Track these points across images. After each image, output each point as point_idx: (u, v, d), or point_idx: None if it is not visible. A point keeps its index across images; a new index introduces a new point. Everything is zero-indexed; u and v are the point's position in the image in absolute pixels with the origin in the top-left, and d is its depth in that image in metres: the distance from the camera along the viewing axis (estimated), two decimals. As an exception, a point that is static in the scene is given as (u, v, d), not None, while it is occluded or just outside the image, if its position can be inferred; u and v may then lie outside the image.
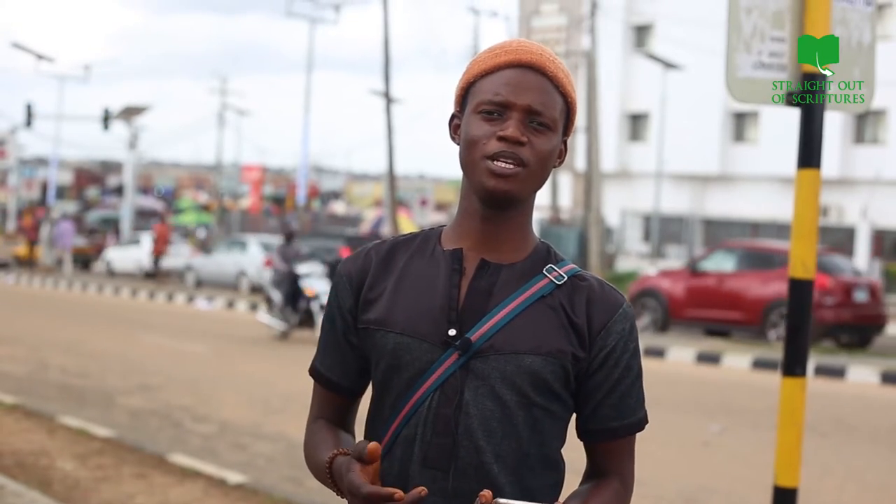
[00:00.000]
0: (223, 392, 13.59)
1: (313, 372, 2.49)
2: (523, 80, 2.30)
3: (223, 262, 34.36)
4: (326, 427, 2.46)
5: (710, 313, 22.32)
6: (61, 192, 72.26)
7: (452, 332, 2.28)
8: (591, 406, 2.35)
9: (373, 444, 2.17)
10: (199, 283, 34.52)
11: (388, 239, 2.47)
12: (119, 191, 69.17)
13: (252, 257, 33.36)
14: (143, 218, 59.44)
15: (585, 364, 2.32)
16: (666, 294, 22.70)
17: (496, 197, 2.29)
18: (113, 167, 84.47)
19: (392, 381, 2.32)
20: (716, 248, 25.00)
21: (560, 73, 2.34)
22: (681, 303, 22.44)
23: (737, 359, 18.49)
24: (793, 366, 4.45)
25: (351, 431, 2.51)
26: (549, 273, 2.35)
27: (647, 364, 18.04)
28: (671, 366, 18.15)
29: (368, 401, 2.43)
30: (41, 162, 74.46)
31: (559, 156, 2.37)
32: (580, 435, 2.40)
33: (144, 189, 79.14)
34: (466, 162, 2.32)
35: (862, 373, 17.06)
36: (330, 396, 2.48)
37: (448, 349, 2.28)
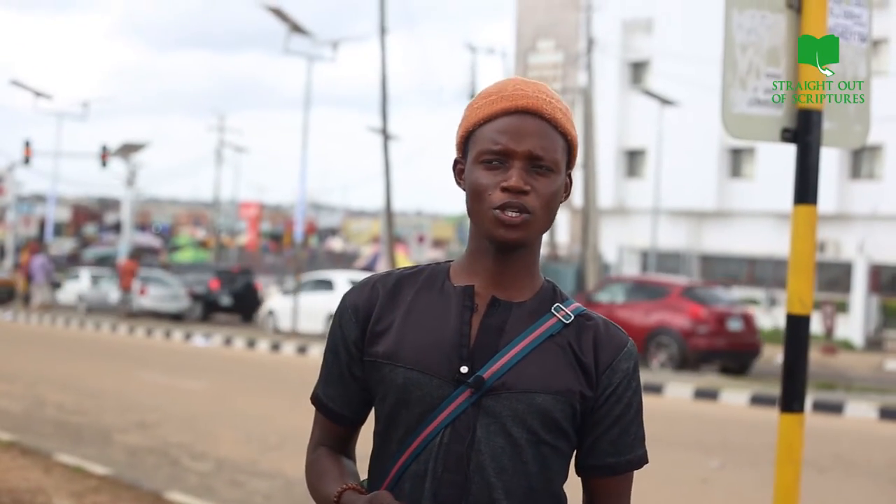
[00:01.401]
0: (220, 429, 13.56)
1: (315, 401, 2.50)
2: (522, 126, 2.31)
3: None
4: (329, 455, 2.46)
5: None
6: (59, 229, 72.28)
7: (464, 368, 2.29)
8: (591, 441, 2.36)
9: (388, 497, 2.20)
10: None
11: (394, 272, 2.47)
12: (117, 228, 69.23)
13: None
14: (142, 255, 59.41)
15: (591, 402, 2.34)
16: None
17: (505, 244, 2.31)
18: (111, 204, 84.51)
19: (401, 415, 2.32)
20: (607, 282, 26.88)
21: (558, 114, 2.35)
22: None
23: (735, 395, 18.45)
24: (791, 402, 4.45)
25: (352, 458, 2.51)
26: (558, 312, 2.37)
27: (645, 400, 17.91)
28: (669, 402, 18.12)
29: (371, 433, 2.43)
30: (39, 199, 74.52)
31: (565, 190, 2.39)
32: (578, 470, 2.41)
33: (142, 226, 79.17)
34: (473, 211, 2.34)
35: (860, 408, 17.02)
36: (331, 426, 2.48)
37: (460, 386, 2.28)
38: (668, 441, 13.37)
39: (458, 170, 2.42)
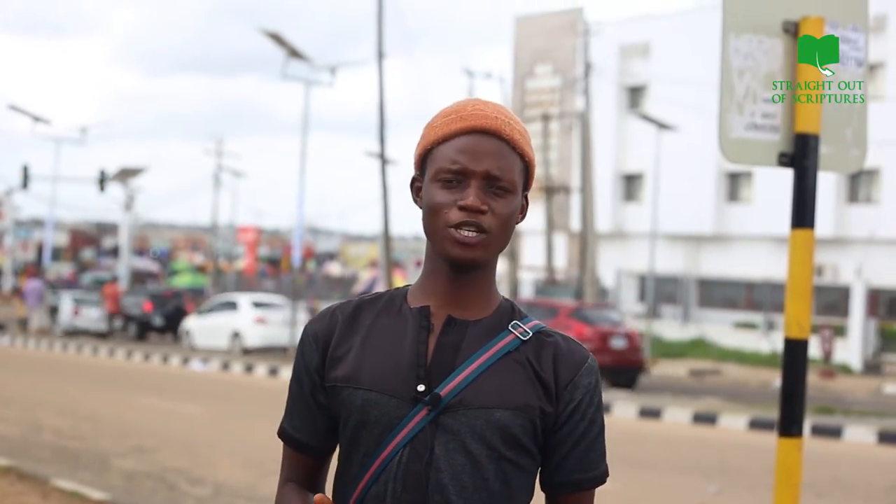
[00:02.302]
0: (218, 454, 13.53)
1: (282, 434, 2.49)
2: (479, 146, 2.31)
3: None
4: (295, 491, 2.46)
5: None
6: (57, 254, 72.24)
7: (421, 387, 2.29)
8: (557, 459, 2.36)
9: (319, 496, 2.20)
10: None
11: (354, 299, 2.48)
12: (115, 252, 69.25)
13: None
14: (140, 279, 59.39)
15: (552, 418, 2.34)
16: None
17: (461, 264, 2.32)
18: (108, 228, 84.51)
19: (360, 437, 2.32)
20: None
21: (516, 135, 2.35)
22: None
23: (733, 419, 18.44)
24: (789, 426, 4.44)
25: (322, 492, 2.49)
26: (515, 329, 2.37)
27: (643, 424, 18.06)
28: (668, 426, 18.10)
29: (336, 460, 2.43)
30: (37, 223, 74.53)
31: (521, 211, 2.39)
32: (544, 487, 2.41)
33: (140, 250, 79.12)
34: (429, 229, 2.34)
35: (859, 433, 17.01)
36: (299, 458, 2.47)
37: (417, 405, 2.28)
38: (666, 465, 13.35)
39: (416, 188, 2.43)
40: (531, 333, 2.37)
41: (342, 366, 2.36)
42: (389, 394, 2.30)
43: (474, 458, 2.27)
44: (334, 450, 2.48)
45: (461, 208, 2.28)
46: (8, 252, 57.52)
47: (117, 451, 13.50)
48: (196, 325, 34.93)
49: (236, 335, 33.78)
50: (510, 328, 2.37)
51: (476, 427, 2.27)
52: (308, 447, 2.45)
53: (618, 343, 24.95)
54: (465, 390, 2.28)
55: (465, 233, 2.28)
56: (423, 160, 2.40)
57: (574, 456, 2.35)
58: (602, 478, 2.40)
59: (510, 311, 2.41)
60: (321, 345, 2.41)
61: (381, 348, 2.35)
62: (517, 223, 2.39)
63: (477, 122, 2.33)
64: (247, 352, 33.06)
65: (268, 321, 34.06)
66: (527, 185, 2.40)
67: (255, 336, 33.47)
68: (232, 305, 34.81)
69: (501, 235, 2.33)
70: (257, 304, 34.87)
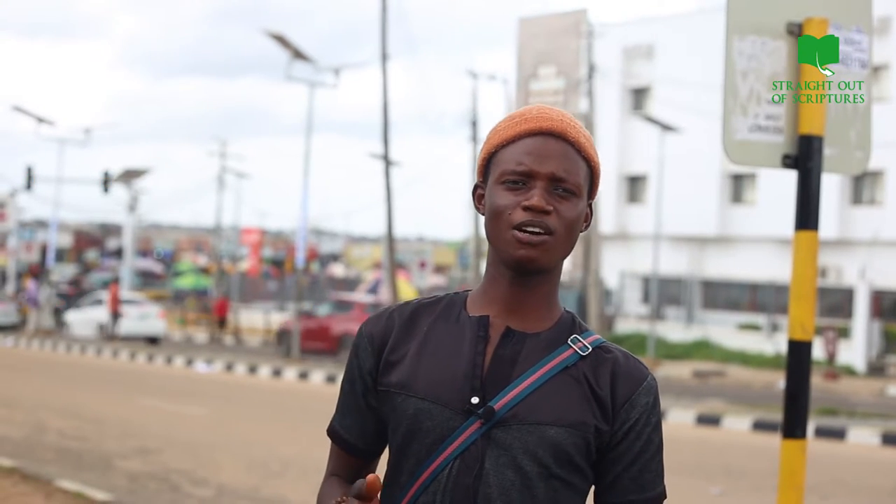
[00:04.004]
0: (222, 455, 13.54)
1: (331, 432, 2.47)
2: (545, 147, 2.29)
3: None
4: (339, 483, 2.44)
5: (315, 344, 31.87)
6: (61, 255, 72.28)
7: (475, 399, 2.26)
8: (611, 478, 2.32)
9: (371, 477, 2.16)
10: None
11: (412, 301, 2.45)
12: (118, 253, 69.24)
13: None
14: (144, 280, 59.38)
15: (608, 437, 2.30)
16: (293, 330, 31.98)
17: (524, 266, 2.28)
18: (112, 230, 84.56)
19: (411, 446, 2.30)
20: (324, 299, 36.41)
21: (581, 138, 2.33)
22: (303, 337, 31.83)
23: (737, 420, 18.43)
24: (793, 428, 4.44)
25: None
26: (574, 343, 2.33)
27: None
28: (671, 427, 18.09)
29: (385, 464, 2.42)
30: (41, 224, 74.50)
31: (585, 220, 2.36)
32: None
33: (144, 252, 79.23)
34: (493, 232, 2.31)
35: (863, 434, 16.99)
36: (346, 458, 2.46)
37: (470, 417, 2.25)
38: (669, 467, 13.30)
39: (479, 195, 2.40)
40: (590, 349, 2.34)
41: (397, 371, 2.34)
42: (443, 404, 2.27)
43: (525, 474, 2.24)
44: (381, 452, 2.47)
45: (525, 209, 2.25)
46: (11, 253, 57.49)
47: (121, 452, 13.51)
48: (74, 318, 40.56)
49: (102, 326, 39.07)
50: (569, 342, 2.33)
51: (528, 443, 2.24)
52: (356, 448, 2.44)
53: None
54: (520, 405, 2.25)
55: (529, 233, 2.25)
56: (486, 165, 2.37)
57: (628, 476, 2.32)
58: (658, 499, 2.36)
59: (570, 324, 2.37)
60: (377, 347, 2.38)
61: (436, 356, 2.32)
62: (582, 231, 2.35)
63: (543, 124, 2.31)
64: (110, 339, 37.79)
65: (128, 315, 38.84)
66: (591, 192, 2.38)
67: (127, 327, 38.35)
68: (100, 301, 40.46)
69: (566, 239, 2.29)
70: (128, 301, 39.99)
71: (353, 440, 2.44)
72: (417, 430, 2.28)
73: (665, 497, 2.38)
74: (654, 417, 2.35)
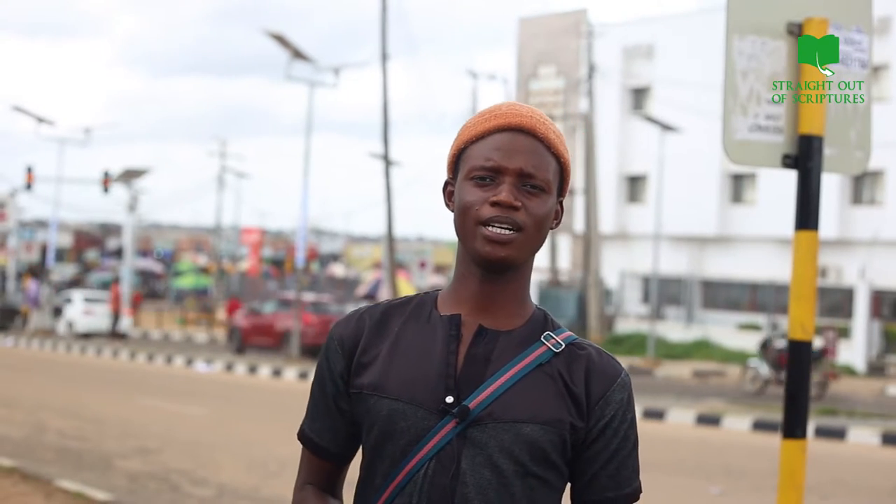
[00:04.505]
0: (221, 455, 13.54)
1: (302, 437, 2.45)
2: (514, 143, 2.28)
3: None
4: (315, 495, 2.42)
5: (260, 339, 34.28)
6: (61, 255, 72.25)
7: (450, 399, 2.24)
8: (588, 476, 2.31)
9: None
10: None
11: (382, 302, 2.43)
12: (118, 253, 69.20)
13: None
14: (144, 280, 59.37)
15: (583, 434, 2.29)
16: (241, 327, 34.93)
17: (493, 263, 2.26)
18: (112, 230, 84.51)
19: (385, 447, 2.28)
20: (268, 297, 40.21)
21: (551, 135, 2.32)
22: (248, 332, 34.61)
23: (737, 420, 18.43)
24: (793, 428, 4.44)
25: (339, 497, 2.47)
26: (547, 340, 2.32)
27: (647, 426, 17.98)
28: (671, 428, 18.09)
29: (358, 467, 2.40)
30: (41, 224, 74.48)
31: (555, 217, 2.34)
32: None
33: (144, 252, 79.17)
34: (461, 228, 2.29)
35: (863, 434, 17.00)
36: (318, 462, 2.43)
37: (445, 416, 2.24)
38: (669, 467, 13.35)
39: (448, 191, 2.39)
40: (564, 345, 2.32)
41: (369, 373, 2.32)
42: (417, 404, 2.25)
43: (501, 472, 2.23)
44: (354, 455, 2.45)
45: (493, 204, 2.24)
46: (11, 253, 57.49)
47: (121, 452, 13.51)
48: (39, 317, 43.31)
49: (70, 324, 41.11)
50: (542, 339, 2.32)
51: (504, 441, 2.23)
52: (328, 452, 2.42)
53: None
54: (495, 403, 2.24)
55: (498, 230, 2.24)
56: (456, 161, 2.36)
57: (605, 473, 2.31)
58: (635, 495, 2.35)
59: (543, 321, 2.36)
60: (347, 350, 2.36)
61: (409, 357, 2.30)
62: (552, 228, 2.34)
63: (512, 120, 2.31)
64: (77, 336, 39.76)
65: (94, 313, 41.28)
66: (562, 190, 2.36)
67: (83, 324, 40.70)
68: (69, 300, 42.78)
69: (535, 235, 2.28)
70: (87, 300, 42.38)
71: (324, 444, 2.41)
72: (392, 432, 2.26)
73: (641, 492, 2.37)
74: (629, 414, 2.33)
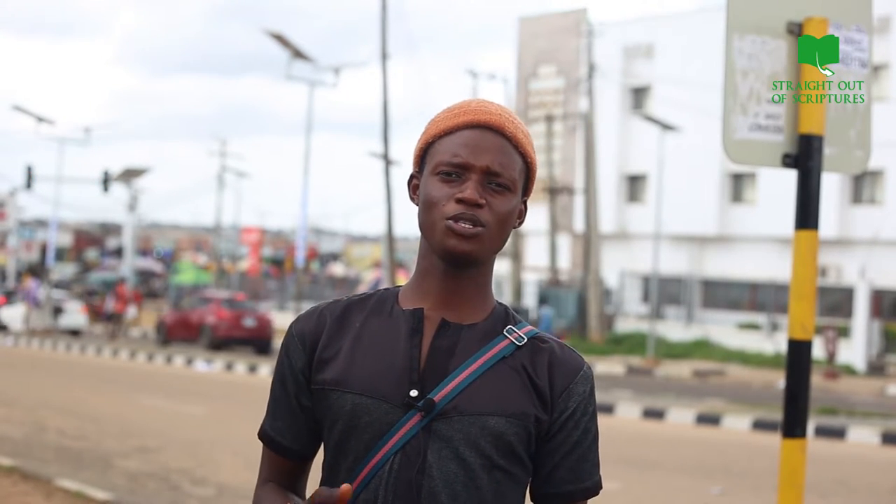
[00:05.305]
0: (222, 454, 13.54)
1: (262, 435, 2.43)
2: (482, 140, 2.28)
3: None
4: (275, 491, 2.39)
5: (182, 333, 36.59)
6: (60, 254, 72.30)
7: (414, 392, 2.24)
8: (548, 469, 2.31)
9: (346, 486, 2.12)
10: None
11: (342, 299, 2.42)
12: (118, 252, 69.27)
13: None
14: (144, 279, 59.35)
15: (546, 426, 2.29)
16: (166, 322, 37.51)
17: (456, 257, 2.26)
18: (112, 229, 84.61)
19: (349, 442, 2.27)
20: (196, 295, 41.99)
21: (519, 134, 2.32)
22: (172, 327, 37.01)
23: (737, 420, 18.42)
24: (793, 427, 4.44)
25: (302, 496, 2.45)
26: (510, 334, 2.32)
27: (647, 426, 17.95)
28: (671, 427, 18.09)
29: (320, 465, 2.38)
30: (40, 224, 74.55)
31: (518, 216, 2.35)
32: (534, 498, 2.36)
33: (144, 251, 79.22)
34: (425, 223, 2.30)
35: (863, 433, 17.00)
36: (280, 461, 2.42)
37: (410, 410, 2.23)
38: (669, 466, 13.34)
39: (413, 185, 2.40)
40: (526, 339, 2.33)
41: (330, 368, 2.30)
42: (381, 398, 2.24)
43: (468, 465, 2.22)
44: (315, 453, 2.44)
45: (458, 201, 2.24)
46: (11, 252, 57.53)
47: (121, 451, 13.51)
48: (5, 314, 44.94)
49: (27, 320, 43.51)
50: (505, 333, 2.32)
51: (470, 434, 2.22)
52: (289, 451, 2.40)
53: (249, 322, 35.38)
54: (460, 396, 2.23)
55: (462, 225, 2.23)
56: (422, 155, 2.37)
57: (566, 466, 2.30)
58: (595, 489, 2.34)
59: (504, 316, 2.36)
60: (308, 345, 2.35)
61: (372, 351, 2.29)
62: (515, 227, 2.34)
63: (480, 118, 2.30)
64: (33, 333, 41.51)
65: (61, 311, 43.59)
66: (527, 190, 2.37)
67: (37, 320, 42.97)
68: (12, 295, 45.98)
69: (498, 233, 2.28)
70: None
71: (286, 442, 2.40)
72: (355, 427, 2.25)
73: (601, 487, 2.36)
74: (591, 407, 2.34)
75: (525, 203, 2.38)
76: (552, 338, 2.38)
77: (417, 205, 2.35)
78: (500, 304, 2.40)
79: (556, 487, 2.31)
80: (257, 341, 35.63)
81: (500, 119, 2.31)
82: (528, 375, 2.29)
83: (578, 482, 2.32)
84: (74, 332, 42.83)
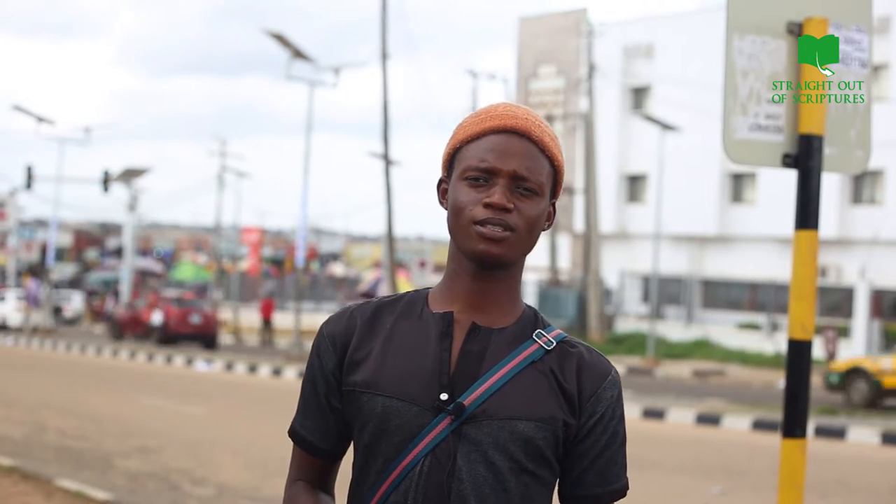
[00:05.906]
0: (221, 454, 13.54)
1: (293, 434, 2.45)
2: (509, 145, 2.30)
3: None
4: (306, 490, 2.43)
5: (133, 329, 39.50)
6: (61, 254, 72.27)
7: (444, 396, 2.25)
8: (577, 472, 2.33)
9: None
10: None
11: (373, 300, 2.44)
12: (118, 252, 69.26)
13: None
14: (143, 279, 59.31)
15: (574, 431, 2.31)
16: (118, 319, 40.69)
17: (486, 260, 2.28)
18: (112, 229, 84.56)
19: (380, 445, 2.28)
20: (153, 295, 44.13)
21: (546, 137, 2.33)
22: (124, 323, 40.03)
23: (737, 420, 18.43)
24: (793, 427, 4.44)
25: (331, 493, 2.47)
26: (539, 338, 2.34)
27: (647, 426, 17.99)
28: (671, 427, 18.10)
29: (350, 465, 2.40)
30: (41, 224, 74.52)
31: (547, 219, 2.36)
32: (562, 500, 2.38)
33: (144, 251, 79.17)
34: (454, 227, 2.31)
35: (862, 433, 17.00)
36: (309, 459, 2.44)
37: (440, 414, 2.25)
38: (669, 466, 13.35)
39: (442, 189, 2.40)
40: (555, 343, 2.34)
41: (361, 370, 2.32)
42: (411, 401, 2.26)
43: (496, 469, 2.24)
44: (345, 452, 2.45)
45: (486, 206, 2.26)
46: (11, 252, 57.52)
47: (121, 451, 13.51)
48: None
49: (4, 319, 46.77)
50: (534, 337, 2.34)
51: (499, 438, 2.24)
52: (319, 450, 2.42)
53: (195, 319, 37.74)
54: (489, 400, 2.25)
55: (491, 228, 2.25)
56: (450, 160, 2.38)
57: (594, 469, 2.33)
58: (623, 491, 2.37)
59: (534, 319, 2.38)
60: (339, 347, 2.37)
61: (402, 354, 2.31)
62: (543, 230, 2.36)
63: (507, 122, 2.31)
64: (10, 331, 44.28)
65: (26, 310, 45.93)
66: (555, 192, 2.38)
67: (15, 319, 46.28)
68: (3, 298, 48.66)
69: (527, 236, 2.30)
70: (20, 298, 47.76)
71: (315, 441, 2.42)
72: (385, 429, 2.27)
73: (628, 489, 2.39)
74: (619, 411, 2.36)
75: (554, 206, 2.39)
76: (580, 342, 2.39)
77: (446, 209, 2.36)
78: (529, 307, 2.41)
79: (585, 490, 2.34)
80: (204, 337, 38.04)
81: (526, 123, 2.32)
82: (557, 380, 2.31)
83: (607, 485, 2.34)
84: (47, 331, 43.80)
